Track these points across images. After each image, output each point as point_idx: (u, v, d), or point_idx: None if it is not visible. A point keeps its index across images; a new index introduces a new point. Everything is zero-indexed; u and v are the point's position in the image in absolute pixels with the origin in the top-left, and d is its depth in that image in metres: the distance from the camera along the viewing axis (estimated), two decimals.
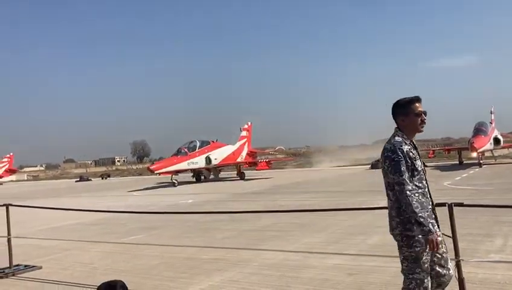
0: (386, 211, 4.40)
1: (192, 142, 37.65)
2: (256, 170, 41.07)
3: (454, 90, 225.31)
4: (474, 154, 31.76)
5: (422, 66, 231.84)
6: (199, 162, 36.87)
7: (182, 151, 36.06)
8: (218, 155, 38.68)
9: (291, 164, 63.31)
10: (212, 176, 40.32)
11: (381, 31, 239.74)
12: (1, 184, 65.00)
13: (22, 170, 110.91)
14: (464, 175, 26.10)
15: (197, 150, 36.79)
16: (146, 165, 73.53)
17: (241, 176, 38.61)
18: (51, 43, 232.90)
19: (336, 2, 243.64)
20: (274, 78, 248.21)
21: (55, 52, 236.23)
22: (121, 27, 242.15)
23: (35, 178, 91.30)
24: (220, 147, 39.65)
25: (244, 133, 44.39)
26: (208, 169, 39.24)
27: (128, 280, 7.74)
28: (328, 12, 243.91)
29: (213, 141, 39.43)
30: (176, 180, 34.27)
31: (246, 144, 44.28)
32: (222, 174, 41.81)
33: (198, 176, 39.53)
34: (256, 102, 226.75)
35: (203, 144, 37.97)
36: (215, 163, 38.44)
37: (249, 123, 46.01)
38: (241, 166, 40.26)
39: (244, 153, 42.90)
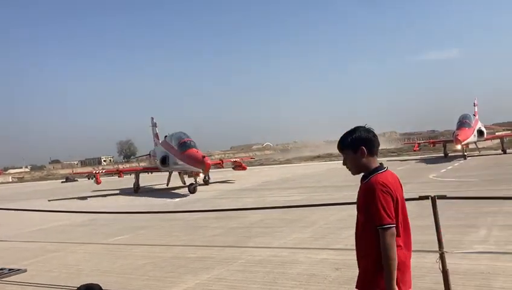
0: None
1: (184, 133, 27.85)
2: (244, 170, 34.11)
3: (438, 83, 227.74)
4: (459, 147, 32.06)
5: (408, 60, 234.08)
6: None
7: (192, 143, 26.51)
8: None
9: (279, 159, 63.99)
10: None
11: (366, 26, 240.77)
12: None
13: (7, 172, 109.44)
14: (449, 167, 26.39)
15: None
16: (132, 166, 63.24)
17: (208, 181, 29.81)
18: (39, 46, 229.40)
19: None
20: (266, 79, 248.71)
21: (42, 53, 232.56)
22: (109, 29, 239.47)
23: (21, 180, 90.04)
24: None
25: (157, 130, 34.89)
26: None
27: (114, 280, 7.71)
28: (315, 11, 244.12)
29: None
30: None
31: None
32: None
33: (139, 185, 29.68)
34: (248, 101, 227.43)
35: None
36: None
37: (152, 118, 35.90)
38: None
39: None
